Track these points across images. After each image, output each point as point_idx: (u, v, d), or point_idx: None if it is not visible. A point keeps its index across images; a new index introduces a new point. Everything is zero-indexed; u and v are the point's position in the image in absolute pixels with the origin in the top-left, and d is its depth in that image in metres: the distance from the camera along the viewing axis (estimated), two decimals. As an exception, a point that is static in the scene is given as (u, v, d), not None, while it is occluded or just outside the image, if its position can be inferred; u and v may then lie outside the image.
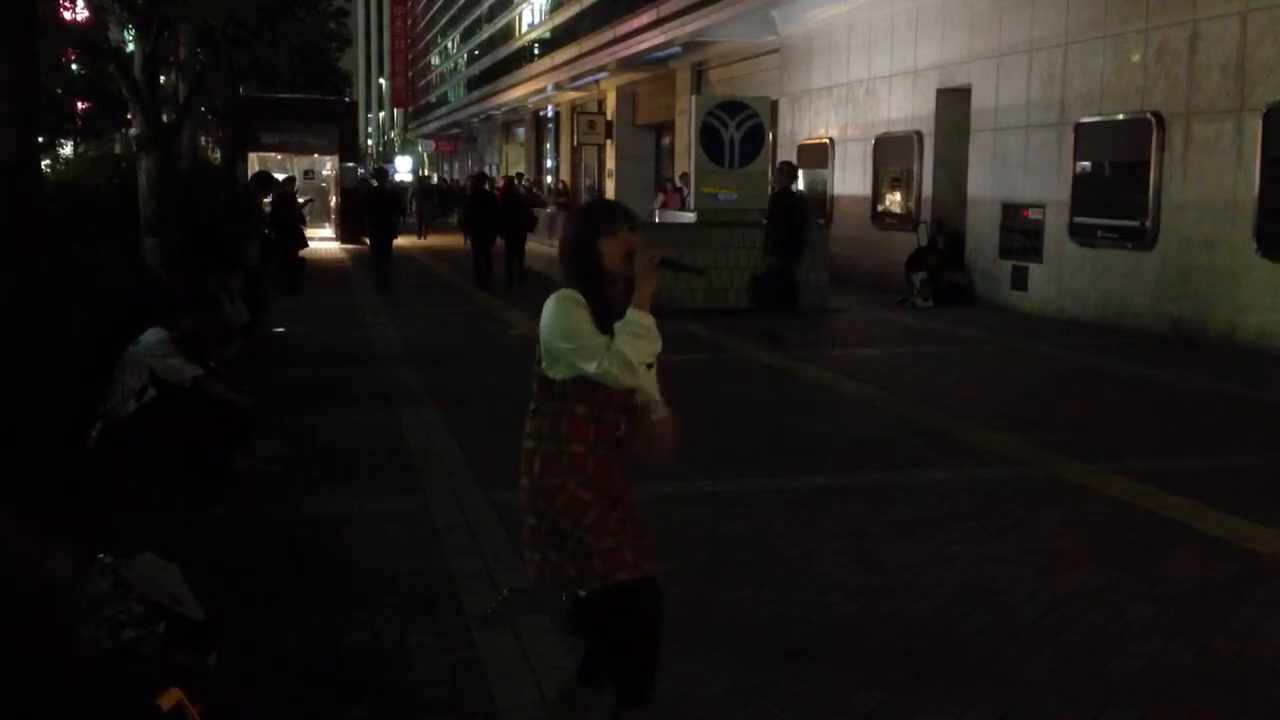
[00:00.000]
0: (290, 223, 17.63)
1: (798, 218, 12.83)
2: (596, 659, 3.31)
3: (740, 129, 15.89)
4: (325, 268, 21.83)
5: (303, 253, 18.18)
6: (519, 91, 42.51)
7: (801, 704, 3.82)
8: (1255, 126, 11.70)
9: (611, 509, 3.18)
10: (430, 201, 37.09)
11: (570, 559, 3.15)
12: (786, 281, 12.81)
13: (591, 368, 3.08)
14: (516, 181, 27.54)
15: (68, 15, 19.25)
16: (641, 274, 3.15)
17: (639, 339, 3.09)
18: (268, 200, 16.94)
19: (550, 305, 3.19)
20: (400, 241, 22.07)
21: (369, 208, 19.82)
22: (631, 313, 3.12)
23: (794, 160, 18.08)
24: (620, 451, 3.24)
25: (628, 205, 3.43)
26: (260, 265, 13.00)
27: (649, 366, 3.19)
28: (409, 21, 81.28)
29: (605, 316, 3.14)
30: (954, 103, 16.99)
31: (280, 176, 19.69)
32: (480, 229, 18.80)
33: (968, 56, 16.53)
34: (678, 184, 23.26)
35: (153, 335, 6.73)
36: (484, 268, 18.45)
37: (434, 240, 31.31)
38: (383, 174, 23.35)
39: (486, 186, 20.67)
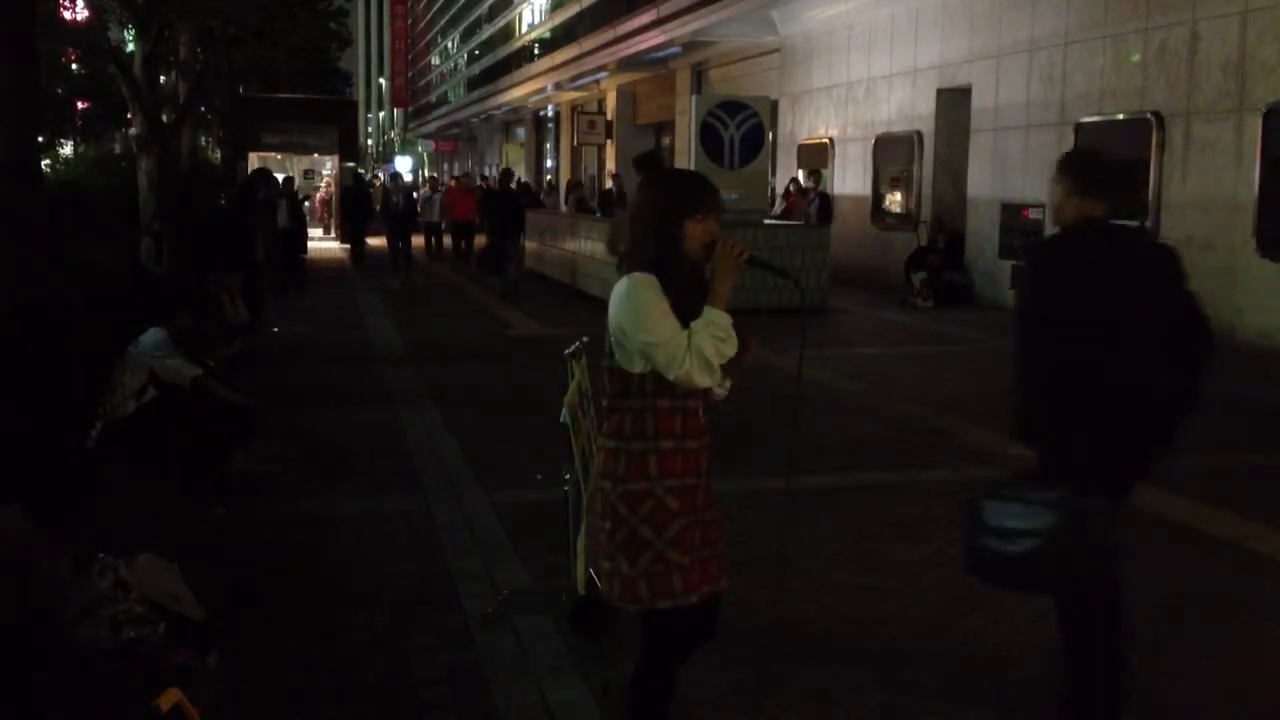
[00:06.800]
0: (302, 222, 17.98)
1: (510, 209, 17.51)
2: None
3: (740, 129, 15.88)
4: (325, 268, 21.83)
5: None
6: (519, 91, 42.47)
7: (801, 704, 3.81)
8: (1255, 126, 11.70)
9: (696, 516, 2.95)
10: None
11: (644, 573, 2.89)
12: (499, 254, 17.13)
13: (672, 374, 2.81)
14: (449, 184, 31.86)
15: (68, 15, 19.25)
16: (724, 268, 2.86)
17: (720, 342, 2.82)
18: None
19: (622, 290, 2.86)
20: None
21: (350, 206, 24.05)
22: (710, 311, 2.83)
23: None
24: (706, 440, 3.01)
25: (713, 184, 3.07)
26: (265, 263, 13.02)
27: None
28: (409, 21, 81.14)
29: (685, 305, 2.85)
30: (954, 103, 16.99)
31: (279, 176, 19.80)
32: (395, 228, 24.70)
33: (968, 56, 16.53)
34: (804, 182, 19.46)
35: (153, 335, 6.73)
36: (400, 257, 23.04)
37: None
38: (359, 178, 29.36)
39: (415, 194, 26.42)
